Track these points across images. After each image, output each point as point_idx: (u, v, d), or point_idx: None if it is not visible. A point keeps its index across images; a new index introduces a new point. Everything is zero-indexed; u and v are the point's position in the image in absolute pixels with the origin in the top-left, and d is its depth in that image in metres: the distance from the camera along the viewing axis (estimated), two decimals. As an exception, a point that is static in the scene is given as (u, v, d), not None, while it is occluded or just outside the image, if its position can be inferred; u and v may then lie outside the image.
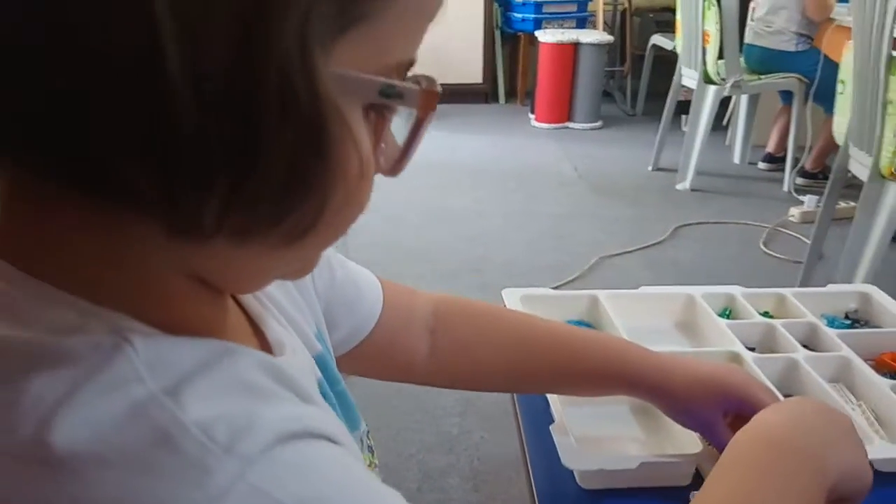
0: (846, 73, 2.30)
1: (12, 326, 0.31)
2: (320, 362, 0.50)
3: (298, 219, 0.31)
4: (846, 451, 0.52)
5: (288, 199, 0.30)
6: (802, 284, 2.54)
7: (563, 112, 4.54)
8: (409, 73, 0.35)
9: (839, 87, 2.39)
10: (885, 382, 0.79)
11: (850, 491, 0.51)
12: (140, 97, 0.27)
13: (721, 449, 0.64)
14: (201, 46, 0.26)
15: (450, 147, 4.02)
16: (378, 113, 0.34)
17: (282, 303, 0.48)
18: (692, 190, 3.56)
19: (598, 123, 4.63)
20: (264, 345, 0.44)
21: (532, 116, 4.65)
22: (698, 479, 0.68)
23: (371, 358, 0.63)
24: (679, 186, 3.59)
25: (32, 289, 0.32)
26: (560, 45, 4.44)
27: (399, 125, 0.35)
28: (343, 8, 0.29)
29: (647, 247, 2.93)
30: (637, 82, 4.94)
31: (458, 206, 3.29)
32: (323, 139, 0.30)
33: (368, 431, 0.54)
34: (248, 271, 0.37)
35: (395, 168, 0.36)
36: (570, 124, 4.57)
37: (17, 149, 0.30)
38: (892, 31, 1.96)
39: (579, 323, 0.93)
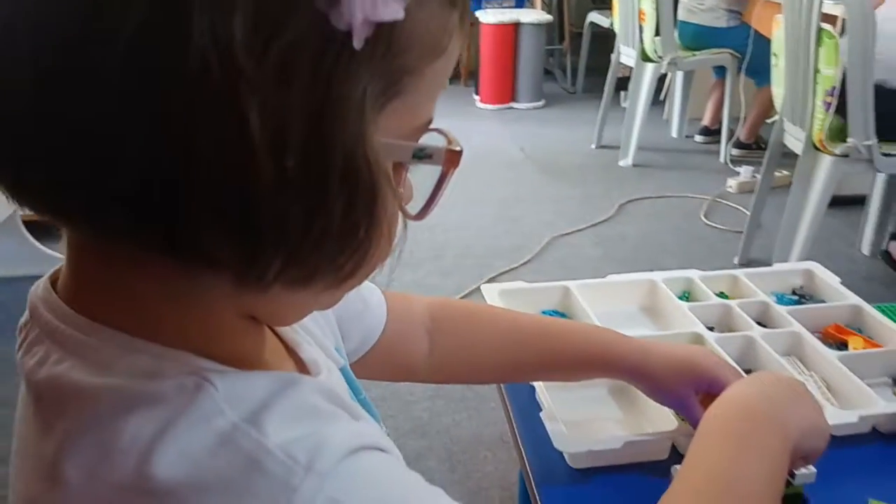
0: (778, 46, 2.41)
1: (95, 374, 0.36)
2: (345, 374, 0.56)
3: (345, 268, 0.36)
4: (805, 414, 0.60)
5: (341, 255, 0.35)
6: (743, 253, 2.68)
7: (507, 92, 4.61)
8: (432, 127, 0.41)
9: (773, 60, 2.50)
10: (833, 354, 0.88)
11: (809, 448, 0.60)
12: (232, 184, 0.31)
13: (694, 423, 0.72)
14: (283, 134, 0.31)
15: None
16: (402, 165, 0.39)
17: (307, 323, 0.53)
18: (634, 166, 3.67)
19: (541, 102, 4.71)
20: (300, 365, 0.49)
21: (477, 97, 4.70)
22: (675, 453, 0.76)
23: (378, 363, 0.68)
24: (622, 163, 3.71)
25: (108, 337, 0.36)
26: (501, 26, 4.49)
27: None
28: (386, 86, 0.34)
29: (596, 224, 3.03)
30: (576, 59, 5.04)
31: (409, 191, 3.32)
32: (375, 201, 0.35)
33: (388, 433, 0.60)
34: (293, 310, 0.43)
35: (421, 215, 0.41)
36: (514, 104, 4.65)
37: (118, 221, 0.33)
38: (820, 6, 2.07)
39: (554, 312, 0.99)
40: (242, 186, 0.31)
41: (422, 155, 0.37)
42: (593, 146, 3.95)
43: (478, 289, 2.43)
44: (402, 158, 0.38)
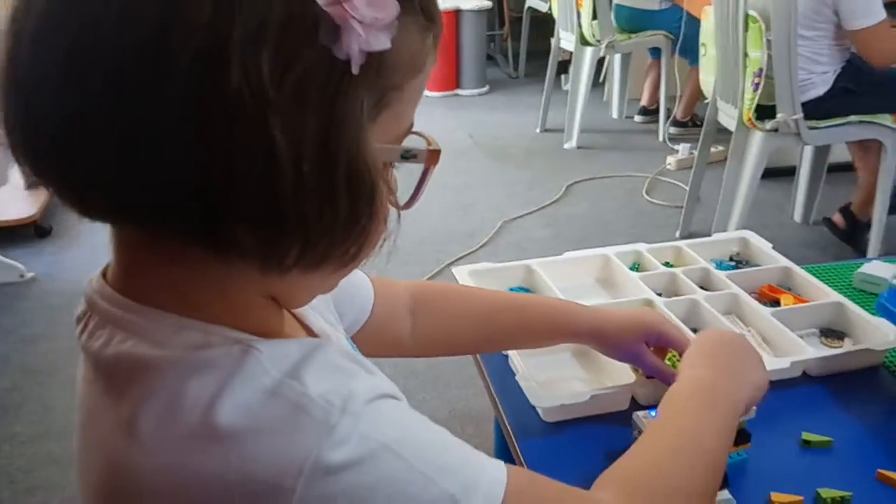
0: (707, 37, 2.55)
1: (156, 348, 0.43)
2: (349, 343, 0.64)
3: (349, 253, 0.44)
4: (752, 375, 0.70)
5: (346, 242, 0.43)
6: (684, 226, 2.83)
7: (451, 79, 4.69)
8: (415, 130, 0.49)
9: (702, 50, 2.64)
10: (767, 311, 0.99)
11: (753, 402, 0.71)
12: (261, 188, 0.39)
13: (649, 372, 0.83)
14: (300, 145, 0.39)
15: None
16: (390, 164, 0.48)
17: (313, 303, 0.61)
18: (578, 148, 3.80)
19: (485, 88, 4.80)
20: (311, 335, 0.57)
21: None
22: (633, 404, 0.86)
23: (368, 340, 0.76)
24: (566, 146, 3.83)
25: (160, 318, 0.44)
26: (442, 13, 4.53)
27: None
28: (377, 101, 0.42)
29: (545, 206, 3.14)
30: (517, 44, 5.14)
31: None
32: (374, 197, 0.42)
33: None
34: (305, 292, 0.51)
35: (409, 205, 0.49)
36: (459, 91, 4.73)
37: (169, 222, 0.41)
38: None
39: (520, 289, 1.09)
40: (269, 190, 0.39)
41: (408, 155, 0.46)
42: (538, 130, 4.06)
43: (438, 273, 2.53)
44: (392, 159, 0.46)
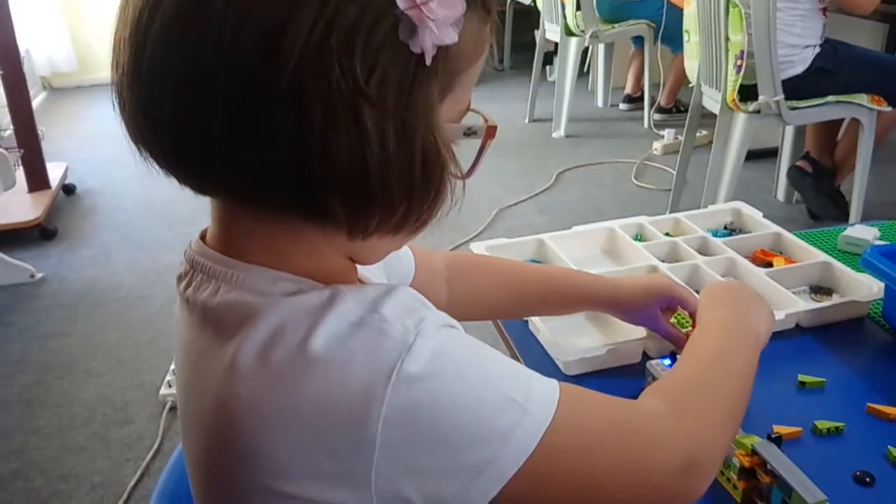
0: (690, 23, 2.64)
1: (258, 295, 0.50)
2: None
3: (421, 220, 0.50)
4: (761, 311, 0.78)
5: (420, 211, 0.49)
6: (672, 208, 2.92)
7: (438, 75, 4.74)
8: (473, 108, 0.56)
9: (685, 37, 2.74)
10: (762, 271, 1.08)
11: (768, 333, 0.78)
12: (353, 165, 0.45)
13: (663, 333, 0.91)
14: (385, 128, 0.45)
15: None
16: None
17: (370, 267, 0.69)
18: (567, 136, 3.90)
19: (472, 82, 4.87)
20: None
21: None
22: (645, 356, 0.95)
23: None
24: (555, 135, 3.92)
25: (257, 272, 0.51)
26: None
27: None
28: (444, 86, 0.49)
29: (538, 194, 3.23)
30: (501, 37, 5.22)
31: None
32: (443, 170, 0.48)
33: None
34: (376, 252, 0.58)
35: (469, 174, 0.55)
36: (446, 86, 4.79)
37: (275, 194, 0.47)
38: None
39: (533, 261, 1.17)
40: (360, 166, 0.45)
41: (470, 132, 0.53)
42: (526, 121, 4.15)
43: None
44: (456, 137, 0.53)
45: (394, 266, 0.80)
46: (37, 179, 3.09)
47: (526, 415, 0.48)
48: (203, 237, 0.56)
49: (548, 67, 4.56)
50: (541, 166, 3.51)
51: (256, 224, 0.51)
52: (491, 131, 0.53)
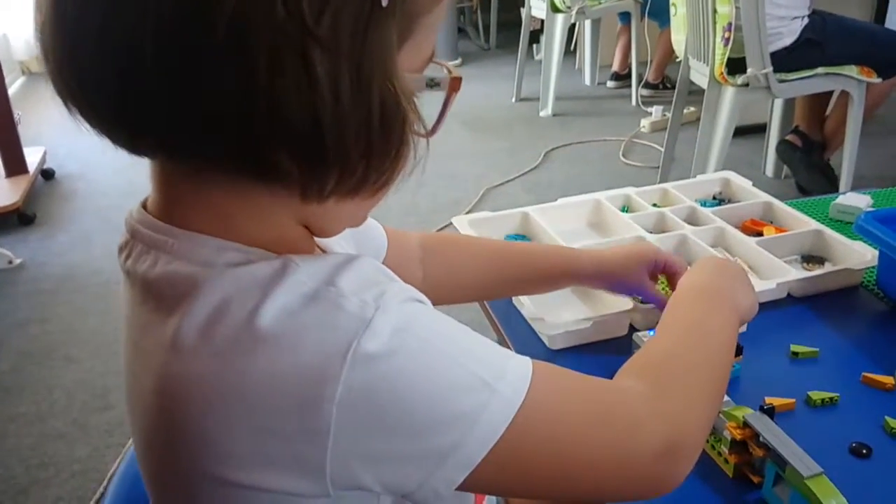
0: (677, -4, 2.60)
1: (201, 266, 0.46)
2: None
3: (381, 179, 0.46)
4: (747, 292, 0.74)
5: (379, 169, 0.45)
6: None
7: (424, 54, 4.69)
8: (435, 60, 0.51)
9: (672, 10, 2.70)
10: (752, 240, 1.05)
11: (746, 319, 0.73)
12: (303, 114, 0.40)
13: (654, 300, 0.88)
14: (338, 74, 0.40)
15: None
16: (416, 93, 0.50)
17: (338, 241, 0.65)
18: (554, 115, 3.85)
19: (458, 60, 4.83)
20: None
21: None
22: (632, 329, 0.92)
23: None
24: (542, 114, 3.88)
25: (203, 241, 0.47)
26: (411, -10, 4.54)
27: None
28: (403, 30, 0.45)
29: (525, 173, 3.19)
30: (487, 16, 5.16)
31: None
32: (404, 124, 0.44)
33: None
34: (336, 220, 0.53)
35: (433, 131, 0.51)
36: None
37: (216, 151, 0.43)
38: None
39: (518, 236, 1.14)
40: (310, 117, 0.40)
41: (432, 83, 0.48)
42: (513, 100, 4.10)
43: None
44: (418, 88, 0.48)
45: (364, 245, 0.76)
46: (14, 164, 3.02)
47: (495, 395, 0.45)
48: (145, 205, 0.51)
49: (534, 46, 4.51)
50: (528, 145, 3.47)
51: (199, 187, 0.47)
52: (455, 83, 0.49)
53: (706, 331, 0.64)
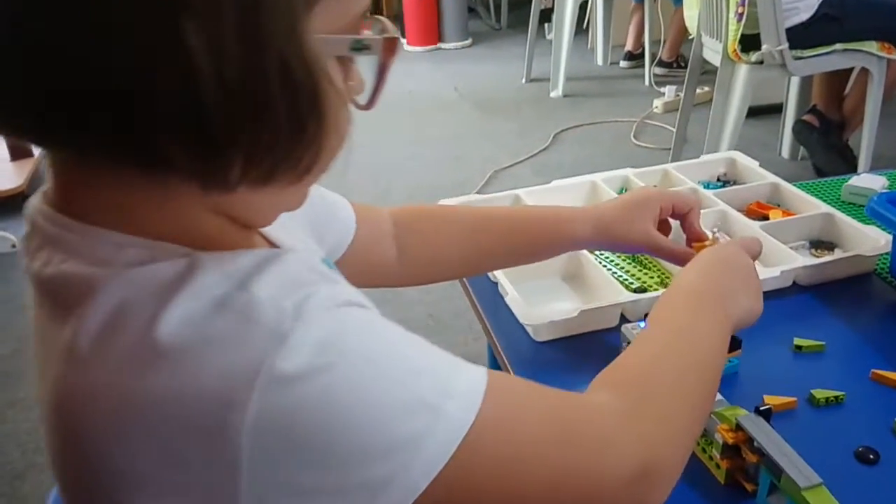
0: (690, -31, 2.51)
1: (94, 266, 0.39)
2: (326, 263, 0.61)
3: (301, 164, 0.39)
4: (745, 298, 0.64)
5: (294, 152, 0.38)
6: (674, 168, 2.81)
7: (434, 33, 4.62)
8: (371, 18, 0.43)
9: (685, -16, 2.60)
10: (755, 224, 0.98)
11: (741, 323, 0.64)
12: (179, 92, 0.34)
13: (666, 254, 0.78)
14: (218, 41, 0.34)
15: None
16: (347, 58, 0.42)
17: (285, 223, 0.56)
18: (565, 96, 3.77)
19: (468, 41, 4.74)
20: None
21: (403, 41, 4.70)
22: (624, 320, 0.86)
23: (353, 267, 0.71)
24: (553, 94, 3.79)
25: (99, 237, 0.40)
26: (421, -32, 4.47)
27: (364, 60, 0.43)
28: None
29: (534, 155, 3.12)
30: (498, -3, 5.07)
31: (348, 140, 3.35)
32: (316, 95, 0.37)
33: None
34: (263, 209, 0.46)
35: (369, 105, 0.45)
36: (442, 45, 4.66)
37: (92, 137, 0.37)
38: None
39: (506, 217, 1.08)
40: (188, 94, 0.34)
41: (359, 46, 0.40)
42: (524, 80, 4.02)
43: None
44: (340, 52, 0.40)
45: (327, 224, 0.70)
46: (19, 148, 3.00)
47: (441, 418, 0.39)
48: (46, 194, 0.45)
49: (546, 26, 4.41)
50: (538, 127, 3.39)
51: (90, 177, 0.40)
52: (390, 44, 0.41)
53: (692, 339, 0.57)
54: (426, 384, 0.40)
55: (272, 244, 0.54)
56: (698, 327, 0.58)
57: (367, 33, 0.42)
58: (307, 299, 0.38)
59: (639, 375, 0.53)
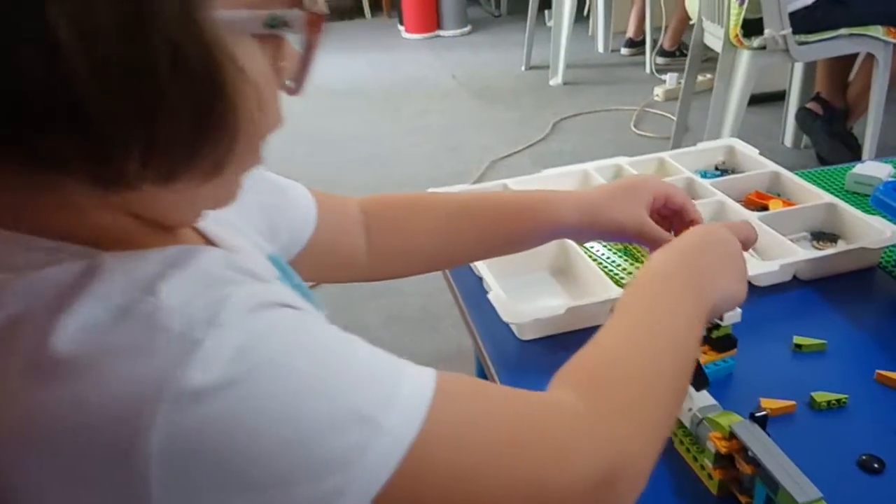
0: (691, -48, 2.44)
1: None
2: (274, 261, 0.56)
3: (213, 155, 0.35)
4: (725, 280, 0.59)
5: (199, 142, 0.34)
6: (675, 157, 2.76)
7: (432, 20, 4.55)
8: None
9: (686, -33, 2.54)
10: (755, 215, 0.93)
11: (719, 309, 0.59)
12: (53, 82, 0.30)
13: (662, 242, 0.70)
14: (92, 23, 0.30)
15: (324, 70, 3.98)
16: (273, 37, 0.37)
17: (229, 218, 0.53)
18: (565, 84, 3.70)
19: (468, 28, 4.68)
20: None
21: (402, 28, 4.64)
22: (615, 317, 0.81)
23: (317, 260, 0.68)
24: (552, 82, 3.73)
25: (3, 238, 0.36)
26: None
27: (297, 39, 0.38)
28: None
29: (533, 144, 3.06)
30: (498, -17, 5.00)
31: (344, 129, 3.30)
32: (218, 82, 0.33)
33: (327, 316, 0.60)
34: (180, 207, 0.41)
35: (296, 89, 0.40)
36: (441, 32, 4.60)
37: None
38: None
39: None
40: (63, 84, 0.30)
41: (275, 23, 0.35)
42: (523, 68, 3.96)
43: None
44: (252, 30, 0.35)
45: (281, 214, 0.64)
46: None
47: (379, 431, 0.35)
48: None
49: (546, 13, 4.34)
50: (537, 115, 3.34)
51: None
52: (314, 21, 0.36)
53: (661, 328, 0.52)
54: (362, 393, 0.36)
55: (211, 244, 0.49)
56: (667, 315, 0.53)
57: (294, 10, 0.36)
58: (224, 302, 0.34)
59: (600, 368, 0.48)
